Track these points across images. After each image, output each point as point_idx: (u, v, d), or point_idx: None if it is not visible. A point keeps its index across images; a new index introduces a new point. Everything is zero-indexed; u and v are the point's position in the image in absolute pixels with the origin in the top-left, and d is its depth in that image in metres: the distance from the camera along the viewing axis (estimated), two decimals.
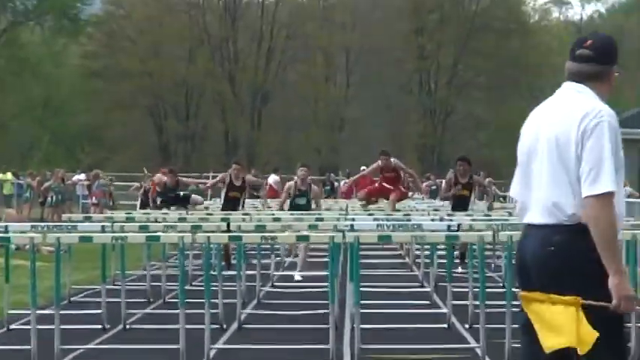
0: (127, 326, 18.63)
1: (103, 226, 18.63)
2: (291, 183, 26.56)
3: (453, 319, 18.69)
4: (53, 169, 52.19)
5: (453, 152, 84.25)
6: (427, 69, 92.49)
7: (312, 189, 26.70)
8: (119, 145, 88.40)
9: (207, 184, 32.15)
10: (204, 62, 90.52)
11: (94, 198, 50.24)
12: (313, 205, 26.37)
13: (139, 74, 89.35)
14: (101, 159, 79.23)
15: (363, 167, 52.36)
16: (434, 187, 49.43)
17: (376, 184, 29.03)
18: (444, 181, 49.29)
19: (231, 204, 27.26)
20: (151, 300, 22.01)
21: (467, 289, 19.11)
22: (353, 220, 21.16)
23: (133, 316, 19.66)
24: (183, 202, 29.61)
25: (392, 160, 28.47)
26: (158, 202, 30.72)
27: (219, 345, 16.19)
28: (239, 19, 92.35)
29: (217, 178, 29.12)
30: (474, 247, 18.02)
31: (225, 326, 18.25)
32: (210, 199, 36.89)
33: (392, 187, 28.07)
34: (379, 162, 28.53)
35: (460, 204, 25.56)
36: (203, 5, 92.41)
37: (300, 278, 24.98)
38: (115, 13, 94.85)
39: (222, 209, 27.16)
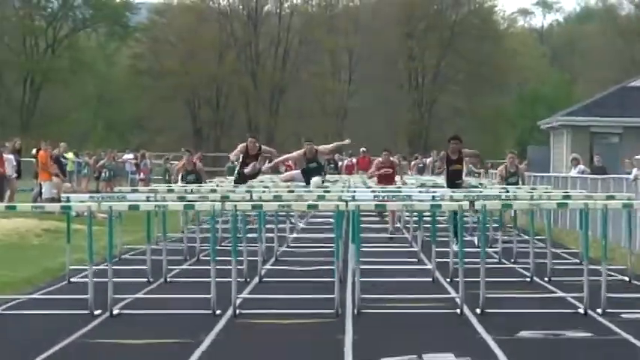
0: (168, 279, 18.61)
1: (147, 197, 18.58)
2: (301, 152, 25.06)
3: (437, 274, 18.66)
4: (106, 150, 52.05)
5: (436, 136, 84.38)
6: (415, 68, 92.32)
7: (319, 152, 25.29)
8: (161, 130, 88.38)
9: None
10: (231, 62, 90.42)
11: (141, 174, 50.35)
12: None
13: (177, 72, 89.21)
14: (146, 141, 79.14)
15: (362, 149, 52.37)
16: (421, 165, 49.36)
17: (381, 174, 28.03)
18: (429, 160, 49.69)
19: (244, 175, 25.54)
20: (187, 258, 22.00)
21: (448, 249, 19.06)
22: (354, 192, 21.11)
23: (172, 271, 19.63)
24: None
25: (392, 159, 28.34)
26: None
27: (244, 295, 16.17)
28: (260, 26, 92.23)
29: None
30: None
31: (248, 280, 18.24)
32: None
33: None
34: (381, 158, 28.17)
35: (455, 177, 24.63)
36: (230, 15, 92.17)
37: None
38: (158, 22, 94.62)
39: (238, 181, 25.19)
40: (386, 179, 27.24)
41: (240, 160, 25.56)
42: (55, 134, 71.66)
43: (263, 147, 26.61)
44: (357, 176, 37.23)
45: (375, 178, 27.70)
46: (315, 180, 23.97)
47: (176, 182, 27.26)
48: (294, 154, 25.97)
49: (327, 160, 55.98)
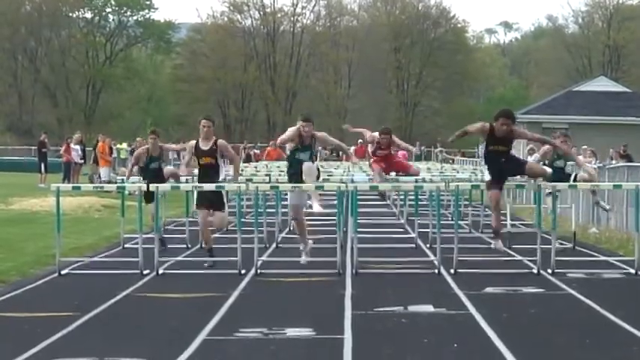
0: (203, 245, 18.64)
1: (187, 179, 18.57)
2: (295, 131, 15.80)
3: (419, 241, 18.67)
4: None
5: (418, 131, 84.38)
6: (402, 76, 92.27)
7: (317, 138, 16.04)
8: (196, 125, 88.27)
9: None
10: (253, 71, 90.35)
11: (184, 164, 50.17)
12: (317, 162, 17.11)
13: (210, 79, 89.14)
14: (184, 135, 79.14)
15: (360, 140, 52.31)
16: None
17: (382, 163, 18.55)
18: (414, 148, 49.34)
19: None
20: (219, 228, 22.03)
21: (428, 221, 19.06)
22: (353, 175, 21.13)
23: None
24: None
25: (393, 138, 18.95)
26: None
27: (264, 258, 16.19)
28: (277, 42, 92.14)
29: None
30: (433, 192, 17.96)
31: (267, 245, 18.26)
32: None
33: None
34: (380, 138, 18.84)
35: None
36: (253, 33, 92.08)
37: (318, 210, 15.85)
38: (195, 38, 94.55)
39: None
40: (384, 160, 18.66)
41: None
42: (112, 129, 71.90)
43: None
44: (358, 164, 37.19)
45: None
46: (308, 167, 15.54)
47: (128, 170, 20.19)
48: (288, 132, 15.95)
49: (331, 150, 55.72)
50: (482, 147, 15.75)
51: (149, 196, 16.50)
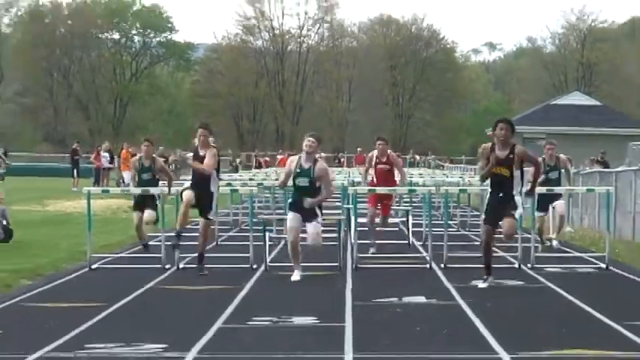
0: (219, 243, 18.64)
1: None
2: (294, 158, 13.35)
3: (412, 239, 18.66)
4: (174, 149, 52.07)
5: (412, 141, 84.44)
6: (397, 91, 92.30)
7: (317, 167, 12.97)
8: (213, 136, 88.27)
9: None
10: (263, 87, 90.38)
11: None
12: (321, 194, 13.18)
13: (225, 94, 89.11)
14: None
15: (359, 149, 52.39)
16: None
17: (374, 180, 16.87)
18: (408, 156, 49.38)
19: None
20: (232, 227, 22.03)
21: (421, 221, 19.06)
22: (353, 180, 21.13)
23: (222, 236, 19.66)
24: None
25: (389, 151, 17.07)
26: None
27: (273, 255, 16.20)
28: (285, 61, 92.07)
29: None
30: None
31: (276, 244, 18.25)
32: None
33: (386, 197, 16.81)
34: (375, 152, 16.92)
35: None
36: (264, 53, 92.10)
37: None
38: (211, 57, 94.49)
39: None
40: (384, 178, 16.68)
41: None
42: (138, 140, 71.90)
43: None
44: (356, 169, 37.29)
45: (374, 176, 16.93)
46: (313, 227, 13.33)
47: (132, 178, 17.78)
48: (285, 170, 13.72)
49: (333, 157, 55.76)
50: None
51: (136, 206, 16.60)
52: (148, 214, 16.37)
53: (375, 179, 16.74)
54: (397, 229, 21.11)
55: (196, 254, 14.35)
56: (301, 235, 13.45)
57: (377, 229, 16.99)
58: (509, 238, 12.68)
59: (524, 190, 12.60)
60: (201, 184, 13.86)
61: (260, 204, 25.17)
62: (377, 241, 16.76)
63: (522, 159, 12.31)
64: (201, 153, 14.03)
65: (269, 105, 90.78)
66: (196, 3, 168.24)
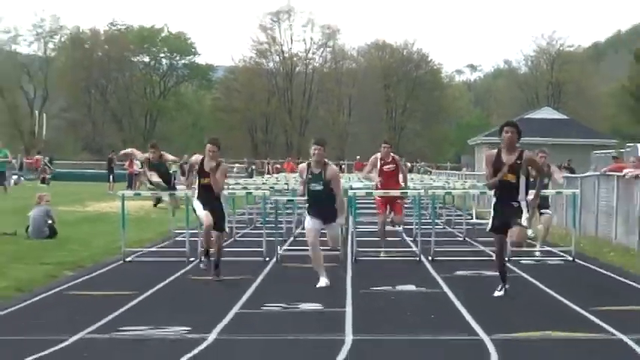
0: (236, 238, 18.62)
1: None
2: (304, 165, 12.04)
3: (404, 235, 18.66)
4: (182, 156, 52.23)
5: (404, 150, 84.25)
6: (391, 107, 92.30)
7: (327, 171, 11.74)
8: (231, 146, 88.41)
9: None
10: (275, 103, 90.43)
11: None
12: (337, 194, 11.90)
13: (242, 110, 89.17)
14: (222, 154, 79.07)
15: (357, 157, 52.38)
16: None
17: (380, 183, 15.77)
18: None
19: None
20: (248, 225, 22.03)
21: (412, 219, 19.04)
22: (351, 184, 21.11)
23: (239, 232, 19.64)
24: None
25: (392, 154, 15.88)
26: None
27: (284, 248, 16.18)
28: (293, 80, 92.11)
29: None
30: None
31: (286, 239, 18.23)
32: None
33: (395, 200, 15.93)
34: (378, 154, 15.87)
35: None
36: (275, 73, 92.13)
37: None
38: (229, 77, 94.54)
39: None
40: (390, 178, 15.69)
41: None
42: (165, 150, 71.86)
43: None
44: (355, 174, 37.25)
45: (378, 179, 15.72)
46: (333, 235, 12.22)
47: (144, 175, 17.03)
48: (300, 179, 12.21)
49: (335, 164, 55.82)
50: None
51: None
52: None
53: (379, 184, 15.56)
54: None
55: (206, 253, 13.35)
56: (321, 239, 12.00)
57: (388, 228, 16.01)
58: (519, 246, 11.01)
59: (528, 198, 10.60)
60: (211, 199, 12.36)
61: (271, 205, 25.18)
62: (386, 248, 15.53)
63: (530, 165, 10.49)
64: (206, 168, 12.38)
65: (279, 119, 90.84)
66: (216, 30, 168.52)
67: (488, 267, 13.87)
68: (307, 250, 12.07)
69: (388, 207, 15.91)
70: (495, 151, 10.57)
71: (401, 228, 17.71)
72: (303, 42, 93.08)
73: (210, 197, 12.33)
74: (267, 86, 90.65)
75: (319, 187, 11.73)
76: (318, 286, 11.68)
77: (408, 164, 62.41)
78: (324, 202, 11.71)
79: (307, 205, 12.09)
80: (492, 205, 10.59)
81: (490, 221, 10.61)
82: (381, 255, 15.22)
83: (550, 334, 8.39)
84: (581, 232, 19.24)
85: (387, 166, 15.55)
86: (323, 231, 12.07)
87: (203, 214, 12.35)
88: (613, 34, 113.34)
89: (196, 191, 12.54)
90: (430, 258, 14.82)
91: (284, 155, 75.49)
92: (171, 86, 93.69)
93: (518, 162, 10.35)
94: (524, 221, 10.33)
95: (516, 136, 10.44)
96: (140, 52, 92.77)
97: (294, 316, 9.60)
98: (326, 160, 11.83)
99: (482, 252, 16.07)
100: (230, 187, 19.57)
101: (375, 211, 17.70)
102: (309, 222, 11.89)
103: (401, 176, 15.86)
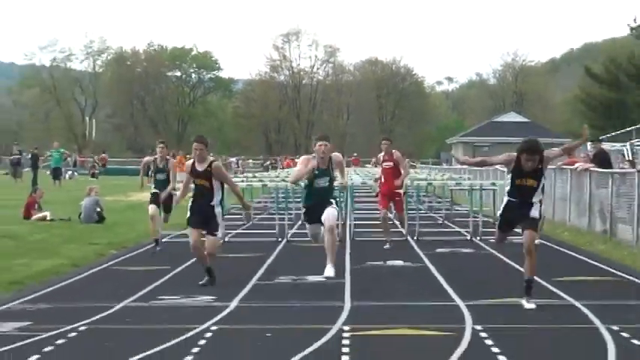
0: (253, 222, 18.59)
1: (242, 180, 18.51)
2: (309, 157, 9.77)
3: (396, 222, 18.59)
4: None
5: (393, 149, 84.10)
6: (382, 113, 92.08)
7: (333, 159, 9.67)
8: (250, 147, 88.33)
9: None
10: (286, 110, 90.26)
11: (240, 168, 50.50)
12: (339, 180, 9.83)
13: (258, 116, 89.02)
14: (240, 152, 79.13)
15: (354, 154, 52.20)
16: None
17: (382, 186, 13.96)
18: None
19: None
20: (263, 211, 21.98)
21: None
22: (351, 177, 21.04)
23: (255, 217, 19.59)
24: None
25: (393, 150, 14.11)
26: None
27: (292, 231, 16.14)
28: (301, 91, 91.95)
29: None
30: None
31: (294, 222, 18.19)
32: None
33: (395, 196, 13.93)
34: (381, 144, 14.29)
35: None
36: (285, 85, 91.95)
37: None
38: (247, 88, 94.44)
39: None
40: (389, 176, 13.77)
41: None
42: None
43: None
44: (352, 169, 37.17)
45: (382, 177, 13.91)
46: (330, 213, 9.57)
47: (145, 178, 13.97)
48: (297, 167, 9.96)
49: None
50: (507, 180, 8.54)
51: (157, 203, 13.07)
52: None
53: (381, 180, 13.81)
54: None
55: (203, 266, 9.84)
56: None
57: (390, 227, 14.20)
58: (530, 253, 8.22)
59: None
60: (204, 205, 9.60)
61: (282, 194, 25.15)
62: (391, 238, 13.71)
63: (548, 163, 8.46)
64: (199, 168, 9.60)
65: (289, 123, 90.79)
66: (237, 47, 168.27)
67: (463, 245, 13.85)
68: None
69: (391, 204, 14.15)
70: (516, 156, 8.28)
71: (405, 230, 14.84)
72: (309, 59, 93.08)
73: (204, 201, 9.59)
74: (279, 96, 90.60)
75: (325, 184, 9.58)
76: (324, 275, 9.39)
77: (412, 163, 61.93)
78: (324, 201, 9.54)
79: (304, 209, 9.83)
80: (505, 203, 8.48)
81: (499, 219, 8.62)
82: (386, 246, 13.30)
83: (516, 300, 8.36)
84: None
85: (386, 164, 13.70)
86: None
87: (190, 233, 9.70)
88: (567, 50, 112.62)
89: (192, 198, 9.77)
90: (415, 238, 14.78)
91: (293, 153, 75.73)
92: (199, 96, 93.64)
93: (539, 167, 8.24)
94: (535, 213, 8.35)
95: (538, 161, 8.22)
96: (173, 68, 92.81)
97: (302, 287, 9.58)
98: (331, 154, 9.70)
99: (458, 233, 16.03)
100: (248, 179, 19.55)
101: (370, 199, 17.62)
102: (309, 228, 9.88)
103: (403, 172, 13.81)
